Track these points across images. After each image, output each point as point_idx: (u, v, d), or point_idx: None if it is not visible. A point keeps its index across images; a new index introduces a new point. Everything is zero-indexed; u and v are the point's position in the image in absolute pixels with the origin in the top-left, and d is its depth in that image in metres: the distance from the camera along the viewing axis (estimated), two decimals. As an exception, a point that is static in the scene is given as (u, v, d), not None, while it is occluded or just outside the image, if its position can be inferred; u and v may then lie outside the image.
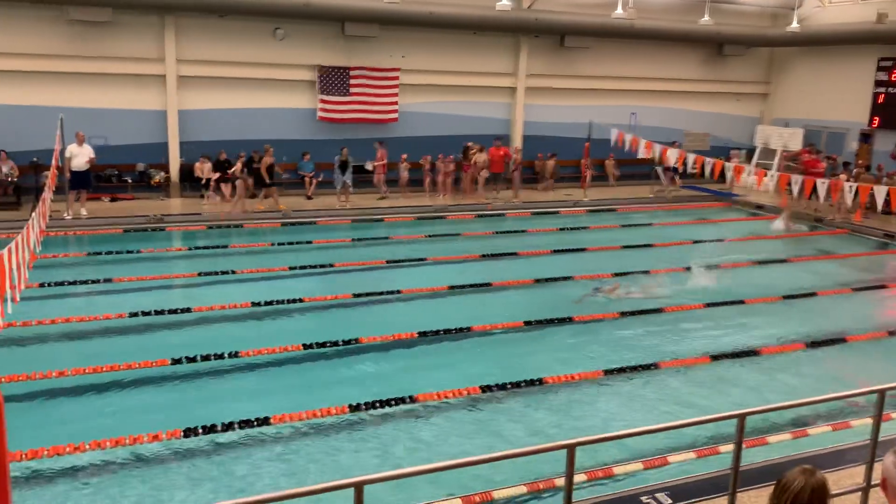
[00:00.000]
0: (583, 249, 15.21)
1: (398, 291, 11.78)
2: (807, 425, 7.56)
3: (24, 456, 6.27)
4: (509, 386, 8.35)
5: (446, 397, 8.07)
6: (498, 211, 18.99)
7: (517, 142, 22.17)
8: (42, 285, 11.08)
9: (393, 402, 7.82)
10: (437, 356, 9.48)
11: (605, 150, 21.92)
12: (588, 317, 10.87)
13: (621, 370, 8.92)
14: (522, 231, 17.19)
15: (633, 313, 11.07)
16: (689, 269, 13.31)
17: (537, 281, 12.63)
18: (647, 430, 5.08)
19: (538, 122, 22.78)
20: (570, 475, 4.29)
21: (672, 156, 19.81)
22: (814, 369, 9.45)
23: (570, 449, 4.28)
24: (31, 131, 16.83)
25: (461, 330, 10.04)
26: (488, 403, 8.09)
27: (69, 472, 6.39)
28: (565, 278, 12.84)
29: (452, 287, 12.06)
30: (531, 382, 8.45)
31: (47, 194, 11.62)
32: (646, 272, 13.28)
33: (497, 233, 16.91)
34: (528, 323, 10.45)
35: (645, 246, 15.80)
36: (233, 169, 17.49)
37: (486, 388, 8.23)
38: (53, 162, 13.57)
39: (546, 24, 21.21)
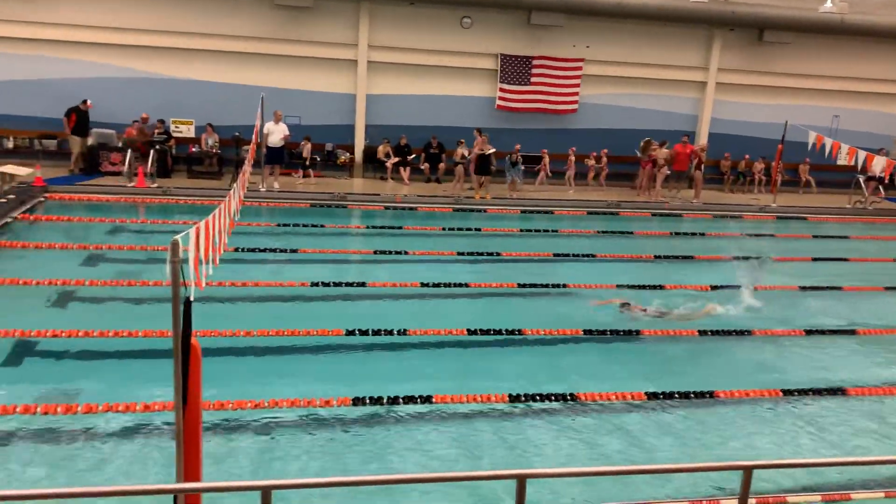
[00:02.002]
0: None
1: (564, 285, 11.61)
2: None
3: (211, 406, 6.83)
4: (676, 396, 7.98)
5: (608, 399, 7.85)
6: (675, 210, 18.19)
7: (703, 139, 21.10)
8: (237, 250, 12.03)
9: (553, 398, 7.73)
10: (603, 356, 9.24)
11: (799, 153, 20.33)
12: (772, 331, 10.15)
13: (804, 392, 8.24)
14: (701, 234, 16.35)
15: (820, 332, 10.21)
16: None
17: (713, 288, 11.96)
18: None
19: (726, 119, 21.56)
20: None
21: (878, 164, 17.97)
22: None
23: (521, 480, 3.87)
24: (235, 107, 18.31)
25: (629, 332, 9.72)
26: (652, 413, 7.76)
27: (248, 425, 6.88)
28: (747, 287, 12.03)
29: (620, 286, 11.70)
30: (700, 395, 8.02)
31: (247, 167, 12.58)
32: (838, 288, 12.20)
33: (674, 234, 16.21)
34: (702, 332, 9.92)
35: (839, 259, 14.49)
36: (456, 154, 18.00)
37: (652, 396, 7.92)
38: (254, 137, 14.69)
39: (744, 17, 19.97)
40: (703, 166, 19.68)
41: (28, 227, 12.94)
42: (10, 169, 14.40)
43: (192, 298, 4.21)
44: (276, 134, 17.16)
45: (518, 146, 18.64)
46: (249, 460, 6.34)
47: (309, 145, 18.41)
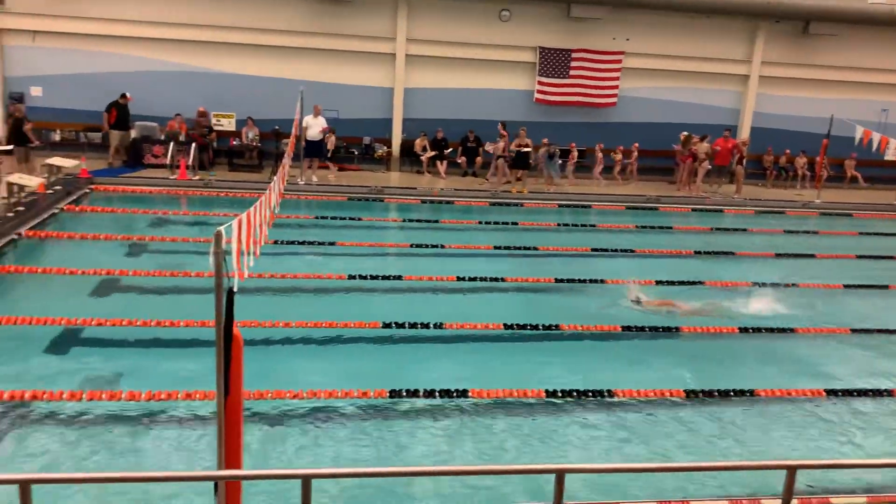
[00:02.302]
0: (811, 255, 13.92)
1: (602, 281, 11.51)
2: None
3: (251, 395, 6.93)
4: (716, 394, 7.87)
5: (647, 396, 7.78)
6: (716, 206, 17.90)
7: (745, 133, 20.73)
8: (276, 242, 12.16)
9: (590, 394, 7.68)
10: (640, 353, 9.14)
11: (844, 148, 19.84)
12: (817, 330, 9.94)
13: (848, 392, 8.06)
14: (743, 230, 16.07)
15: (866, 331, 9.96)
16: None
17: (755, 284, 11.74)
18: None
19: (769, 113, 21.14)
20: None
21: (929, 159, 17.46)
22: None
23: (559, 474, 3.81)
24: (275, 101, 18.46)
25: (668, 329, 9.60)
26: (691, 410, 7.66)
27: (287, 415, 6.97)
28: (789, 285, 11.82)
29: (660, 282, 11.55)
30: (740, 393, 7.90)
31: (286, 160, 12.69)
32: (884, 286, 11.90)
33: (714, 229, 15.96)
34: (743, 329, 9.75)
35: (886, 258, 14.13)
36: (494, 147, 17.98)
37: (691, 394, 7.82)
38: (293, 130, 14.81)
39: (789, 9, 19.56)
40: (744, 161, 19.33)
41: (74, 218, 13.25)
42: (57, 161, 14.74)
43: (234, 289, 4.25)
44: (315, 127, 17.30)
45: (545, 140, 18.44)
46: (288, 449, 6.43)
47: (333, 138, 18.40)
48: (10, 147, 15.25)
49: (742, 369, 8.75)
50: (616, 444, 6.91)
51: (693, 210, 17.53)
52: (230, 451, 4.25)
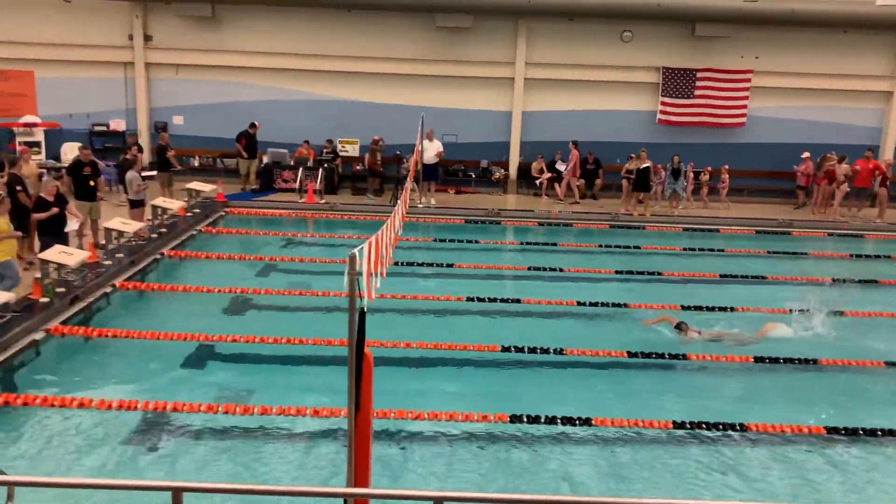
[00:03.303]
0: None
1: (732, 309, 10.98)
2: None
3: (374, 414, 7.04)
4: (861, 432, 7.30)
5: (781, 431, 7.32)
6: (856, 231, 16.76)
7: (888, 153, 19.37)
8: (396, 264, 12.39)
9: (721, 427, 7.31)
10: (777, 385, 8.64)
11: None
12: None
13: None
14: (887, 256, 14.95)
15: None
16: None
17: (902, 315, 10.86)
18: None
19: (915, 132, 19.64)
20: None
21: None
22: None
23: None
24: (396, 127, 18.95)
25: (805, 361, 9.02)
26: (824, 447, 7.14)
27: (409, 435, 7.03)
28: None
29: (794, 311, 10.87)
30: (871, 433, 7.28)
31: (408, 183, 12.99)
32: None
33: (854, 256, 14.92)
34: (891, 363, 9.02)
35: None
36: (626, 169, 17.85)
37: (832, 431, 7.30)
38: (414, 155, 15.15)
39: (940, 19, 18.15)
40: (888, 183, 18.02)
41: (210, 239, 14.05)
42: (196, 185, 15.73)
43: (366, 309, 4.35)
44: (430, 151, 17.63)
45: (676, 156, 17.88)
46: (411, 469, 6.48)
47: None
48: (154, 172, 16.42)
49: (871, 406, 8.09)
50: (733, 480, 6.53)
51: (829, 235, 16.48)
52: (359, 469, 4.33)
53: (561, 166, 19.21)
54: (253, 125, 18.42)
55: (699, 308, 10.87)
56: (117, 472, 6.16)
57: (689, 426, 7.27)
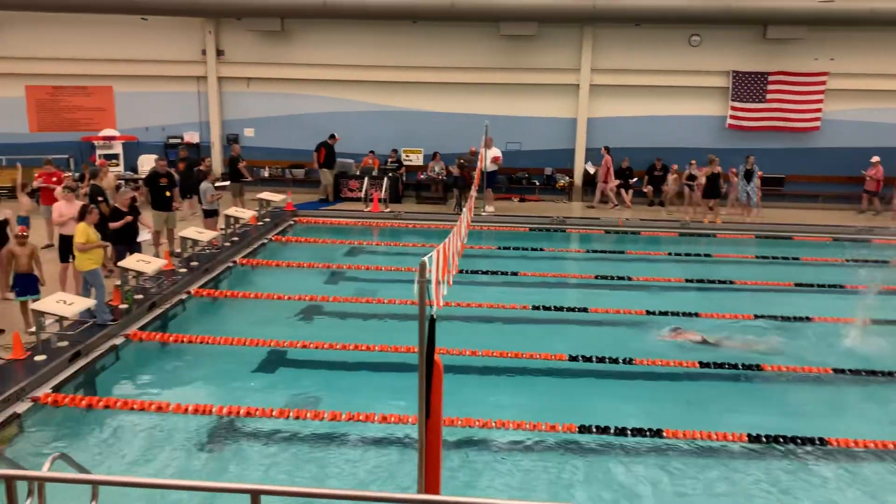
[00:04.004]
0: None
1: (808, 318, 10.61)
2: None
3: (442, 422, 7.06)
4: (952, 449, 6.94)
5: (865, 447, 7.02)
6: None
7: (974, 157, 18.42)
8: (461, 272, 12.42)
9: (799, 441, 7.06)
10: (860, 398, 8.29)
11: None
12: None
13: None
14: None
15: None
16: None
17: None
18: None
19: None
20: None
21: None
22: None
23: None
24: (459, 136, 19.01)
25: (890, 373, 8.63)
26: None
27: (477, 443, 7.02)
28: None
29: (877, 321, 10.43)
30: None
31: (473, 192, 13.02)
32: None
33: (939, 265, 14.20)
34: None
35: None
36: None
37: (921, 447, 6.96)
38: (479, 163, 15.17)
39: None
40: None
41: (280, 247, 14.38)
42: (266, 195, 16.13)
43: (435, 317, 4.37)
44: (486, 159, 17.57)
45: (751, 157, 17.38)
46: (482, 477, 6.46)
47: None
48: (227, 183, 16.90)
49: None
50: (819, 498, 6.28)
51: (912, 242, 15.76)
52: (430, 476, 4.34)
53: (591, 169, 19.01)
54: (332, 136, 18.58)
55: (773, 317, 10.55)
56: (193, 473, 6.34)
57: (765, 440, 7.04)
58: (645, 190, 18.92)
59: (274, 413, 7.27)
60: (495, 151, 17.87)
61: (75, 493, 4.83)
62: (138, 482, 4.77)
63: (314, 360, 8.92)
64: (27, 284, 9.36)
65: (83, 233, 9.39)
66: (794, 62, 18.71)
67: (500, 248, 14.86)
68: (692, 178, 17.44)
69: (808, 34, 18.24)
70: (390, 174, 18.68)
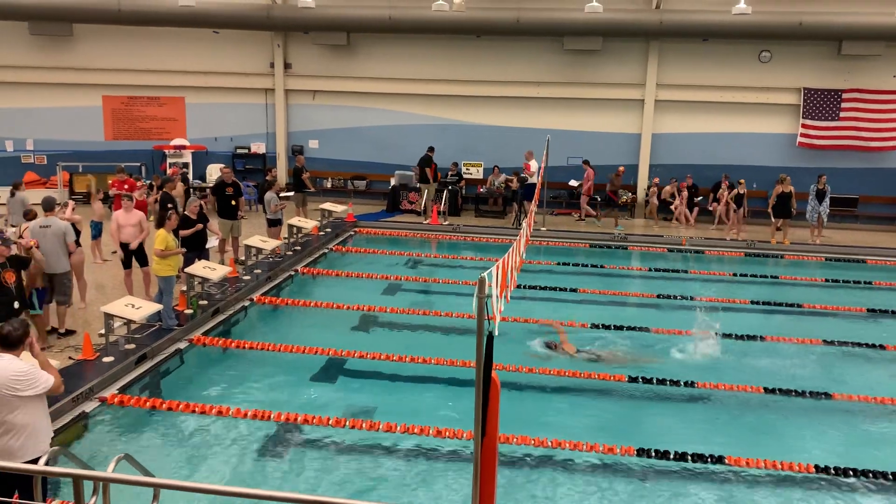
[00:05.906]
0: None
1: (881, 346, 10.18)
2: None
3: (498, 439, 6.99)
4: None
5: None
6: None
7: None
8: (519, 286, 12.32)
9: (870, 474, 6.75)
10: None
11: None
12: None
13: None
14: None
15: None
16: None
17: None
18: None
19: None
20: None
21: None
22: None
23: None
24: (520, 150, 18.92)
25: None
26: None
27: (533, 462, 6.93)
28: None
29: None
30: None
31: (533, 206, 12.94)
32: None
33: None
34: None
35: None
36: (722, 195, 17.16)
37: None
38: (539, 178, 15.07)
39: None
40: None
41: (340, 258, 14.54)
42: (328, 206, 16.36)
43: (495, 333, 4.33)
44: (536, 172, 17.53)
45: (823, 176, 16.78)
46: (537, 497, 6.37)
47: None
48: (291, 193, 17.21)
49: None
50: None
51: None
52: (484, 494, 4.29)
53: (574, 183, 18.91)
54: (431, 148, 18.49)
55: (844, 343, 10.15)
56: (250, 479, 6.43)
57: (832, 472, 6.76)
58: (710, 208, 18.47)
59: (330, 422, 7.33)
60: (533, 165, 17.75)
61: (136, 492, 4.95)
62: (200, 488, 4.84)
63: (371, 371, 8.97)
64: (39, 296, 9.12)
65: (163, 240, 9.66)
66: (870, 79, 18.06)
67: (558, 264, 14.69)
68: (739, 198, 16.92)
69: (885, 50, 17.59)
70: (450, 187, 18.72)
